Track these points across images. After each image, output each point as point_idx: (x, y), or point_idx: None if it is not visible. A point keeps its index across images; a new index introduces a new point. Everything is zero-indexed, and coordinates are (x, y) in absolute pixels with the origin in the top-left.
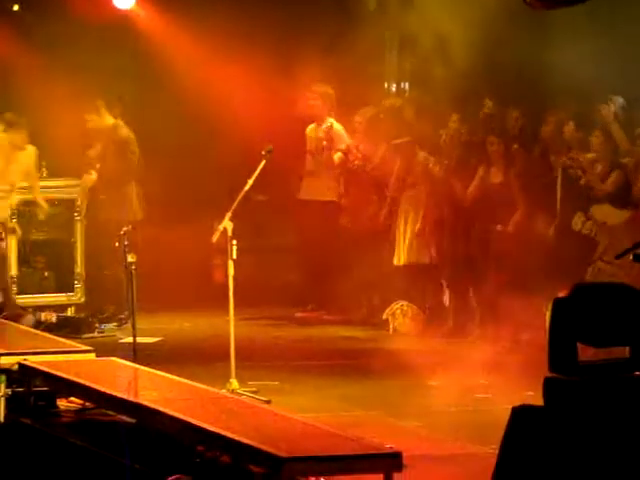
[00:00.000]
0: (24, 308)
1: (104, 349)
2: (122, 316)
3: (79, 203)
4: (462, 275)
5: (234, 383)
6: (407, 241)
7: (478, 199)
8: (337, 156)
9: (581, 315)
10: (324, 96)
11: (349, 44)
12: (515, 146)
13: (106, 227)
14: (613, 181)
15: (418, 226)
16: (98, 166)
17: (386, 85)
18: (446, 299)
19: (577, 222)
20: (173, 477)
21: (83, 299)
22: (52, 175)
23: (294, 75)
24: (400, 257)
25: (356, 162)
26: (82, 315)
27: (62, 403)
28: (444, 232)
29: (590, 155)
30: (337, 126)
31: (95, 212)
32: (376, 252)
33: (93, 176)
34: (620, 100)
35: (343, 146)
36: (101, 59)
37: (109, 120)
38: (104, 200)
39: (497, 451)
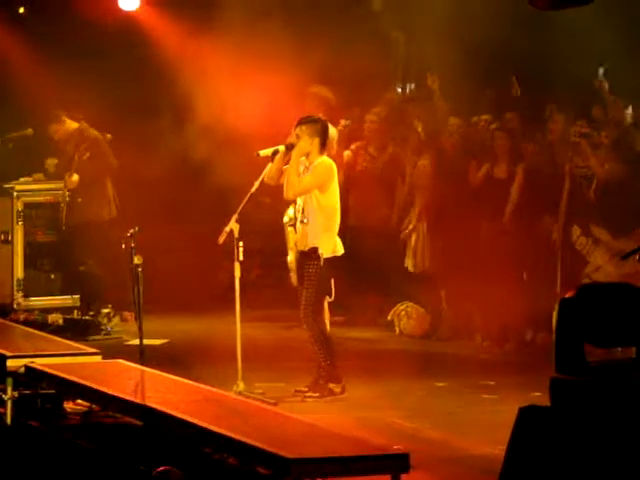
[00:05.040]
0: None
1: (110, 351)
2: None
3: (62, 206)
4: (463, 276)
5: (241, 385)
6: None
7: (481, 195)
8: (346, 154)
9: (587, 315)
10: (321, 99)
11: (354, 45)
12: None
13: (87, 227)
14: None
15: (411, 226)
16: (74, 173)
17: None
18: (444, 302)
19: (573, 235)
20: (162, 468)
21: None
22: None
23: (299, 78)
24: (409, 261)
25: (364, 164)
26: (86, 317)
27: (69, 405)
28: (444, 233)
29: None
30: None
31: (74, 214)
32: (384, 253)
33: (74, 178)
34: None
35: (353, 147)
36: (105, 61)
37: (73, 125)
38: (82, 202)
39: (504, 451)
